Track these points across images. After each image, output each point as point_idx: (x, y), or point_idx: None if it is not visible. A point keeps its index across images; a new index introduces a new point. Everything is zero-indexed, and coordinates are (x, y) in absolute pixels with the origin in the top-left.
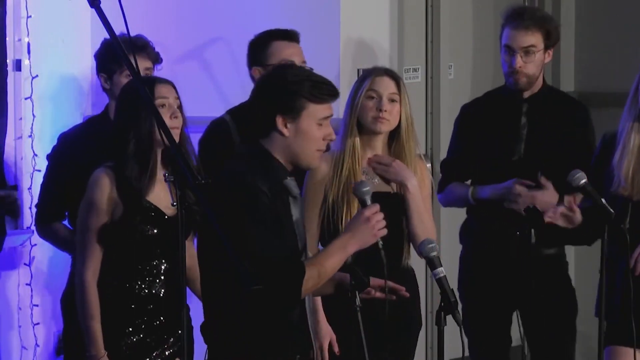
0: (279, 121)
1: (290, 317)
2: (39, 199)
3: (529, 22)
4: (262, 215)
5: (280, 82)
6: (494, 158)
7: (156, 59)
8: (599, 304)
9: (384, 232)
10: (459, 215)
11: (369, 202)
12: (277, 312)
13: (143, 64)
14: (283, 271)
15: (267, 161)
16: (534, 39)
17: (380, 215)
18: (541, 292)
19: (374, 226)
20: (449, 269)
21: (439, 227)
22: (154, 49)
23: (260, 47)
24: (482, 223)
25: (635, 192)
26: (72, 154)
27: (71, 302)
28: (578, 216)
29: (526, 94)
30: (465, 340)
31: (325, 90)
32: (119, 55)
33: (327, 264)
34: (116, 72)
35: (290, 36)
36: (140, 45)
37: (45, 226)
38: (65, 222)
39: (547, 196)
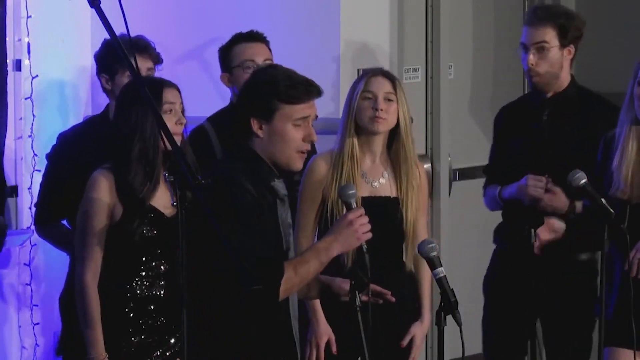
0: (254, 124)
1: (275, 321)
2: (38, 199)
3: (539, 17)
4: (244, 215)
5: (253, 84)
6: (519, 161)
7: (157, 60)
8: (599, 303)
9: (368, 235)
10: (459, 215)
11: (354, 205)
12: (258, 311)
13: (145, 65)
14: (261, 271)
15: (254, 163)
16: (545, 35)
17: (365, 219)
18: (565, 298)
19: (357, 230)
20: (449, 269)
21: (439, 226)
22: (155, 49)
23: (226, 52)
24: (510, 225)
25: (634, 195)
26: (71, 154)
27: (70, 302)
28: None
29: (549, 94)
30: (466, 340)
31: (300, 90)
32: (119, 55)
33: (307, 266)
34: (118, 73)
35: (252, 36)
36: (142, 46)
37: (45, 226)
38: (65, 222)
39: (555, 201)
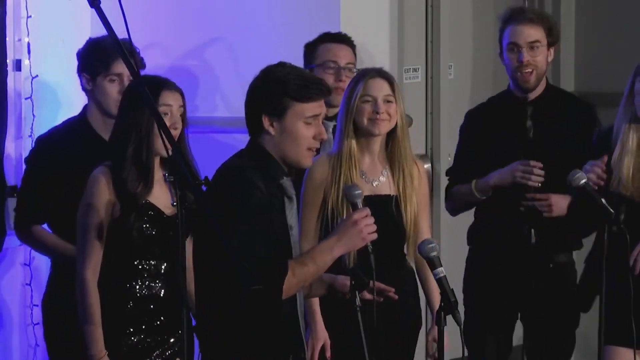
0: (265, 121)
1: (282, 318)
2: (17, 202)
3: (532, 16)
4: (252, 211)
5: (265, 81)
6: (501, 162)
7: (140, 65)
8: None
9: (374, 236)
10: (460, 215)
11: (360, 205)
12: (262, 310)
13: (125, 70)
14: (265, 268)
15: (265, 160)
16: (539, 33)
17: (370, 220)
18: (546, 299)
19: (362, 230)
20: (449, 269)
21: (439, 226)
22: (139, 53)
23: (310, 48)
24: (489, 225)
25: (636, 191)
26: (50, 156)
27: (51, 305)
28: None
29: (531, 96)
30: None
31: (312, 89)
32: (123, 56)
33: (311, 265)
34: (100, 74)
35: (339, 38)
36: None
37: (24, 229)
38: (45, 226)
39: (561, 203)
